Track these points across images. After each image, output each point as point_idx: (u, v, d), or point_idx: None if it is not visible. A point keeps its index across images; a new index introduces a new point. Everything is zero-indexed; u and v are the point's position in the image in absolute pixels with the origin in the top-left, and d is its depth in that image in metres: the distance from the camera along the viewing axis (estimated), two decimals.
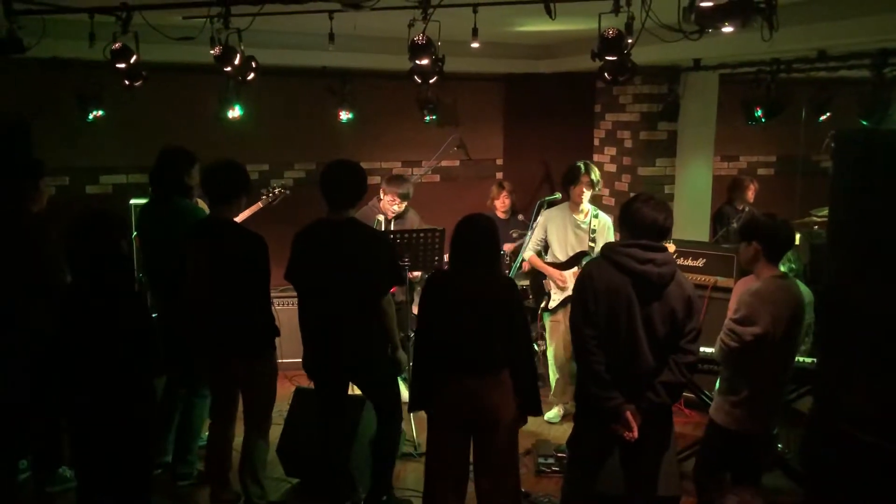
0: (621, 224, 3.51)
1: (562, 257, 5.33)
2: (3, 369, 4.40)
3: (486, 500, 3.63)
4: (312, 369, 4.03)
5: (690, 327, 3.38)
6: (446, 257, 5.23)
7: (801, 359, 4.33)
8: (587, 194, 5.28)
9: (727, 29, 2.93)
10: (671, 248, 4.65)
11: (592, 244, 5.19)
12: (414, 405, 3.69)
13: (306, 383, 4.99)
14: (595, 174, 5.27)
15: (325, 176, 3.91)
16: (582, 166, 5.27)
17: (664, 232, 3.40)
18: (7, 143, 4.90)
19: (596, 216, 5.30)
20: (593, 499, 3.63)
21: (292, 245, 3.96)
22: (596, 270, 3.44)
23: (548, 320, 5.52)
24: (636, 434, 3.36)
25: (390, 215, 5.54)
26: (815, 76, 6.18)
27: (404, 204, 5.55)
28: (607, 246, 3.54)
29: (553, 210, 5.51)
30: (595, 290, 3.37)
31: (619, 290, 3.34)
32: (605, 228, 5.27)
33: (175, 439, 4.59)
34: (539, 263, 5.49)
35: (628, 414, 3.36)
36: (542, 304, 5.54)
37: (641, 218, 3.37)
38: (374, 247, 3.90)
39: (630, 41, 3.44)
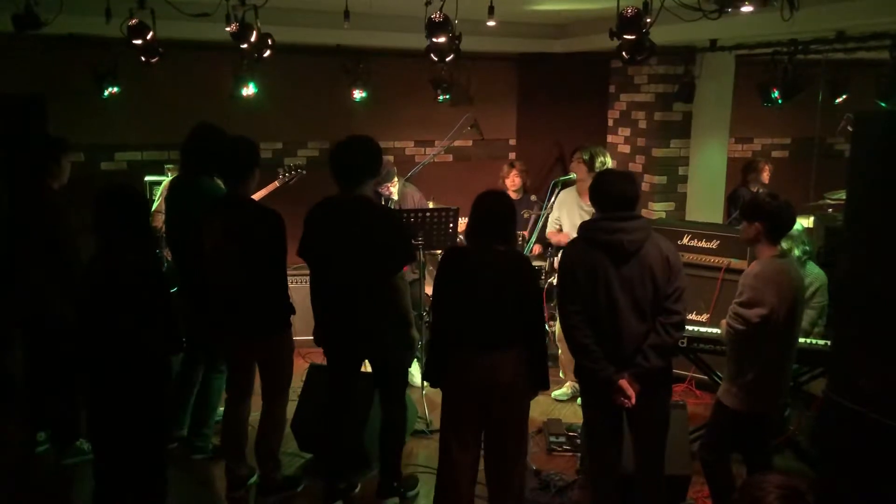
0: (593, 202, 3.62)
1: None
2: (22, 344, 4.46)
3: (494, 472, 3.65)
4: (325, 345, 4.02)
5: (674, 287, 3.43)
6: (460, 237, 5.27)
7: (814, 341, 4.33)
8: (583, 172, 5.32)
9: (747, 8, 2.91)
10: None
11: None
12: (431, 380, 3.71)
13: (320, 360, 5.04)
14: (588, 154, 5.32)
15: (335, 153, 3.87)
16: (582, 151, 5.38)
17: (632, 201, 3.50)
18: (23, 120, 4.92)
19: None
20: (617, 479, 3.66)
21: (305, 222, 3.94)
22: (571, 249, 3.59)
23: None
24: (633, 401, 3.40)
25: (394, 195, 5.50)
26: (833, 57, 6.12)
27: (395, 181, 5.48)
28: (582, 224, 3.63)
29: (566, 191, 5.53)
30: (573, 267, 3.48)
31: (594, 264, 3.41)
32: None
33: (191, 413, 4.65)
34: (554, 237, 5.56)
35: (623, 382, 3.40)
36: (554, 282, 5.57)
37: (608, 191, 3.50)
38: (386, 224, 3.89)
39: (649, 20, 3.42)
